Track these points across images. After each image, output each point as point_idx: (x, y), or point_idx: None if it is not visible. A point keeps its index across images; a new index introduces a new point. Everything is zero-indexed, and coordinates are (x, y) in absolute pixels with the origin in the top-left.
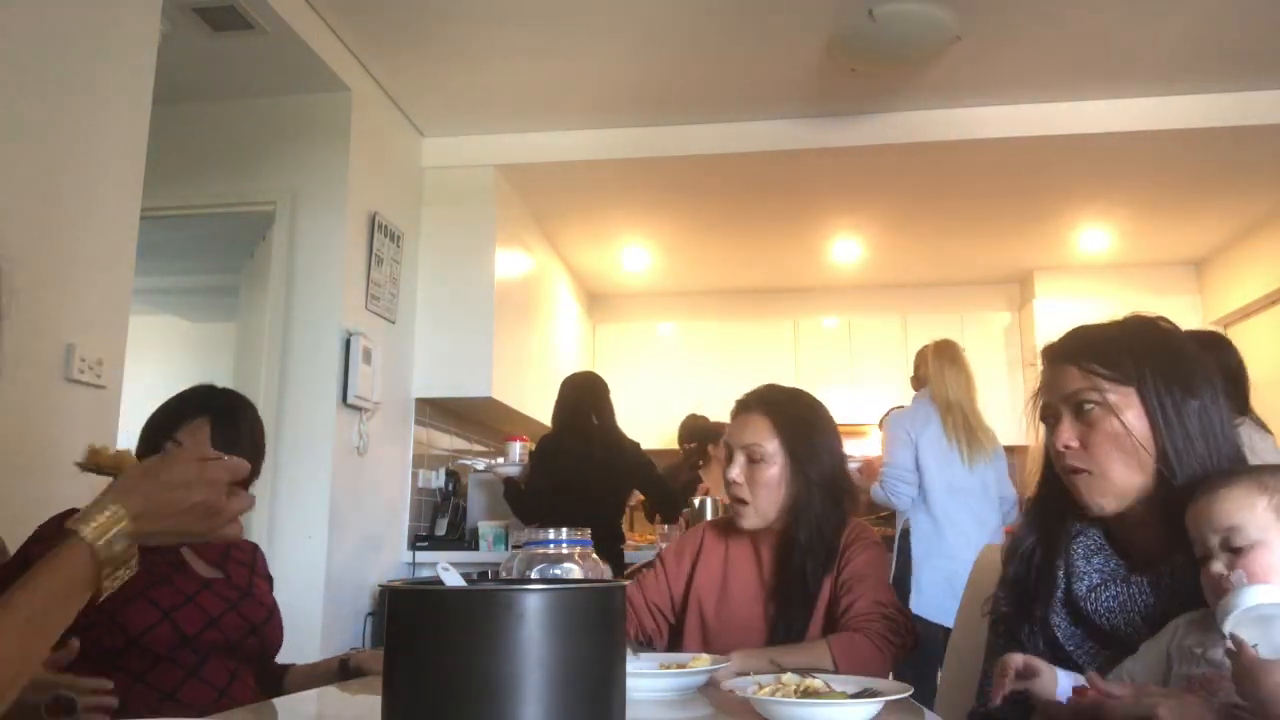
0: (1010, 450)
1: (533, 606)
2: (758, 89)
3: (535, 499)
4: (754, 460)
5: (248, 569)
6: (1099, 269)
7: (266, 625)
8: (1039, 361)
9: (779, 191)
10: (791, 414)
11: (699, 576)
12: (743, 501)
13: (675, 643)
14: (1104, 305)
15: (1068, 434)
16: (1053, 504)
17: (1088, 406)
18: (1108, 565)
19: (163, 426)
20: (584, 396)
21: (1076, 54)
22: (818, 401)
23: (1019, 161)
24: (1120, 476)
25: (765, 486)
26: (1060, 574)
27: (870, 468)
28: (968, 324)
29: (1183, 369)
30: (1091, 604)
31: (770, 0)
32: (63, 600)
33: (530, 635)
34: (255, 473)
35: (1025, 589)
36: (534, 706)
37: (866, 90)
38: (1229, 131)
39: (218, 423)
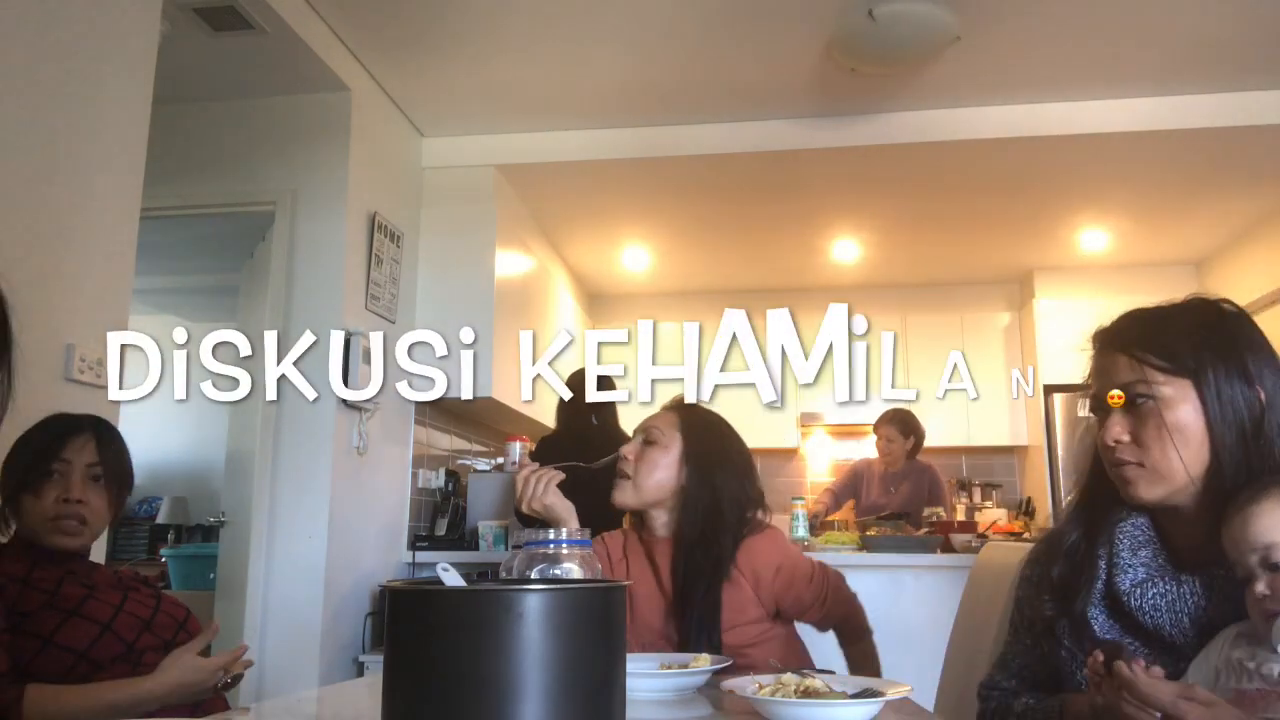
0: (1009, 450)
1: (533, 606)
2: (758, 89)
3: None
4: (649, 441)
5: (139, 581)
6: (1099, 269)
7: (189, 620)
8: (1089, 346)
9: (779, 191)
10: (699, 416)
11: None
12: (624, 476)
13: None
14: (1104, 305)
15: (1118, 428)
16: (1100, 500)
17: (1139, 400)
18: (1155, 560)
19: (50, 446)
20: (583, 395)
21: (1076, 54)
22: (726, 422)
23: (1019, 161)
24: (1171, 470)
25: (651, 466)
26: (1102, 564)
27: None
28: (968, 324)
29: (1246, 360)
30: (1136, 600)
31: (770, 0)
32: None
33: (530, 635)
34: (123, 499)
35: (1069, 586)
36: (534, 706)
37: (866, 90)
38: (1229, 131)
39: (101, 438)
